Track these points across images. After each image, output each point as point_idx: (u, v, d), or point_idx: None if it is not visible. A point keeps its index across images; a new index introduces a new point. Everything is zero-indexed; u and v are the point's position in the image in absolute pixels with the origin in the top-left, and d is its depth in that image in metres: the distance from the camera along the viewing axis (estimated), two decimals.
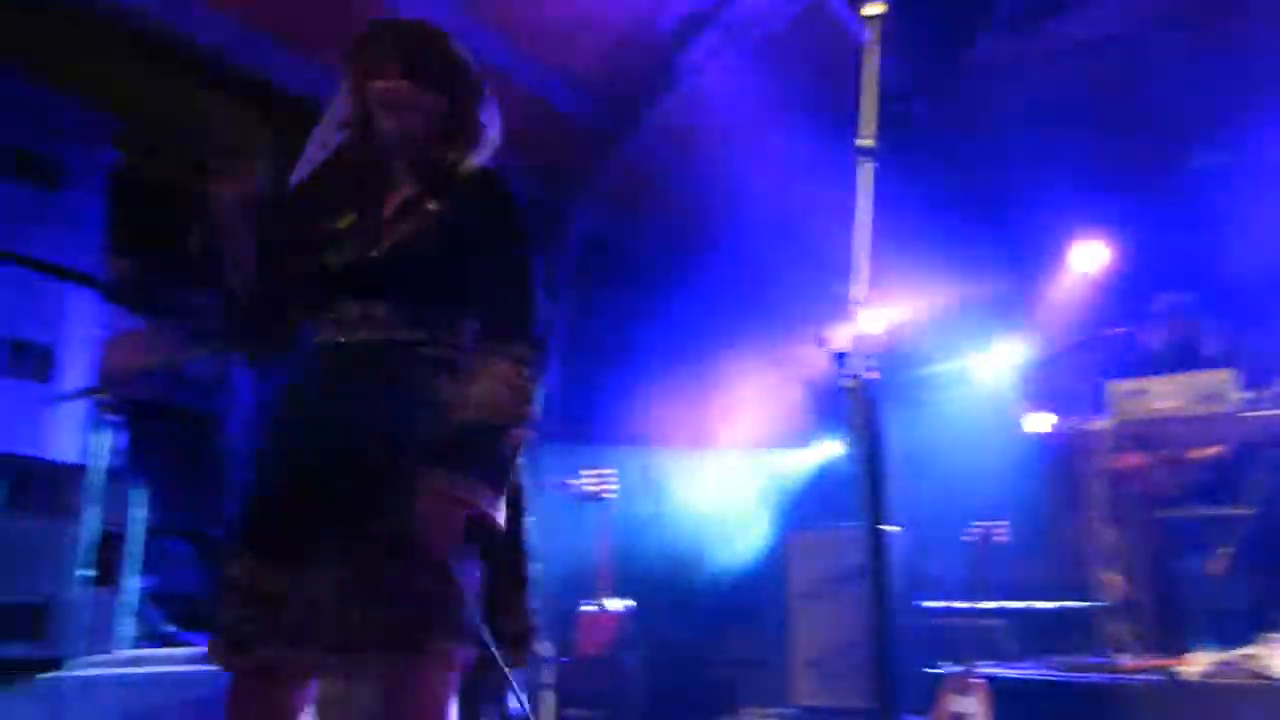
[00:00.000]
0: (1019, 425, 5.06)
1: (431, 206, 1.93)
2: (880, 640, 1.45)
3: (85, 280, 3.98)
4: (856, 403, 1.44)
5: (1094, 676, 3.96)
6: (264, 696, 1.80)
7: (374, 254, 1.88)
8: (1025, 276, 6.83)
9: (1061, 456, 6.76)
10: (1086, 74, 6.96)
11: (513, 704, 3.01)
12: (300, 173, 2.03)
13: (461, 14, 5.56)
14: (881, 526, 1.47)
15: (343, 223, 1.93)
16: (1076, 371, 6.63)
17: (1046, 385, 6.21)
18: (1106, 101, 6.98)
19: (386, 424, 1.81)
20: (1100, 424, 4.52)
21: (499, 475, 1.81)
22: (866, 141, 1.59)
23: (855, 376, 1.45)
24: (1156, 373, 4.61)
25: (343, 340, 1.89)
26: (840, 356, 1.47)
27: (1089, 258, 6.17)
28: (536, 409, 1.81)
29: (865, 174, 1.58)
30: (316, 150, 2.02)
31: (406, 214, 1.93)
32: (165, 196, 8.18)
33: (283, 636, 1.72)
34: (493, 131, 2.11)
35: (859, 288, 1.52)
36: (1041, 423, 4.78)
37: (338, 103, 2.00)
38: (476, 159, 2.05)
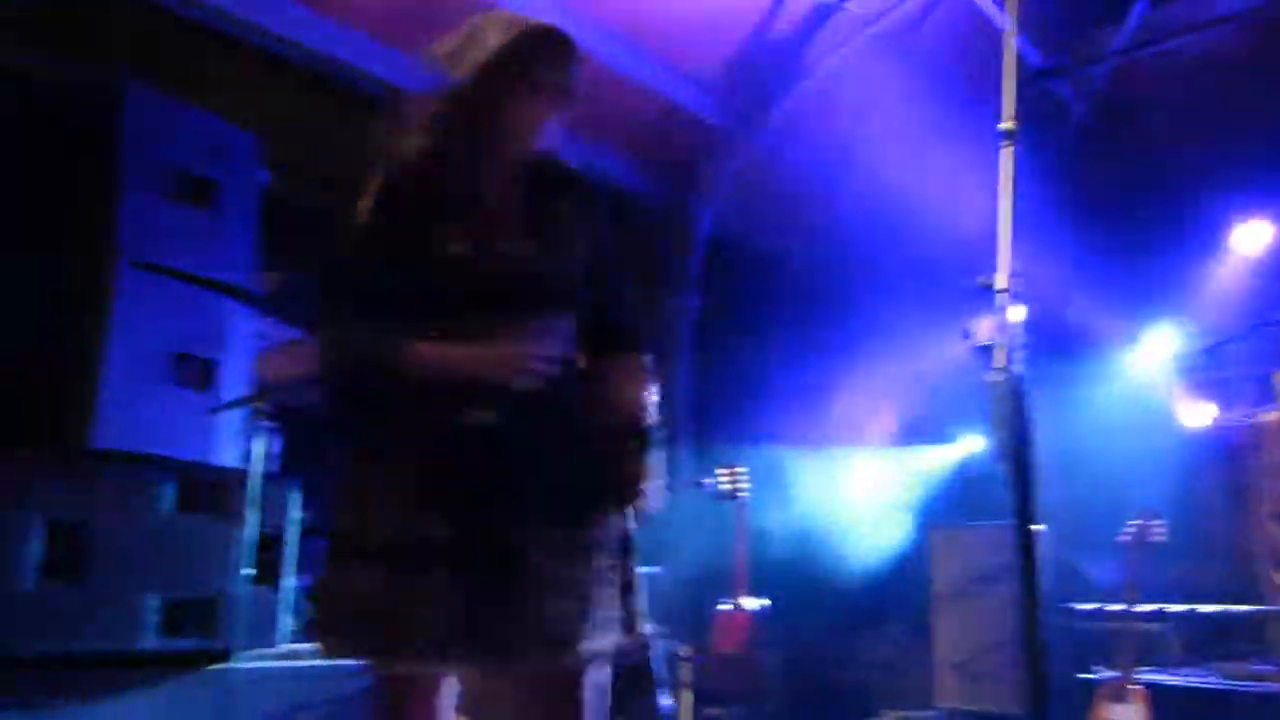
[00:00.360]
0: (1177, 419, 4.80)
1: (550, 221, 1.96)
2: (1031, 643, 1.39)
3: (241, 294, 4.19)
4: (1001, 396, 1.39)
5: (1263, 686, 3.72)
6: (418, 696, 1.86)
7: (501, 270, 1.86)
8: (1184, 262, 6.48)
9: (1225, 451, 6.39)
10: (1245, 45, 6.56)
11: (664, 701, 3.03)
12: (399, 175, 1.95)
13: (584, 14, 5.64)
14: (1029, 524, 1.41)
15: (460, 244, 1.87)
16: (1241, 361, 6.26)
17: (1208, 376, 5.89)
18: (1268, 74, 6.57)
19: (534, 433, 1.82)
20: (1268, 416, 4.24)
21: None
22: (1007, 125, 1.53)
23: (1000, 369, 1.40)
24: None
25: None
26: (984, 349, 1.42)
27: (1252, 240, 5.81)
28: (659, 408, 1.85)
29: (1006, 158, 1.52)
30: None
31: (526, 228, 1.93)
32: (312, 213, 8.58)
33: (433, 639, 1.73)
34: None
35: (1002, 276, 1.47)
36: (1202, 416, 4.52)
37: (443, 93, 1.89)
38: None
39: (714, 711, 4.87)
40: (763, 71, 6.49)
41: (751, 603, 5.10)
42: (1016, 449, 1.40)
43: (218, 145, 4.14)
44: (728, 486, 5.22)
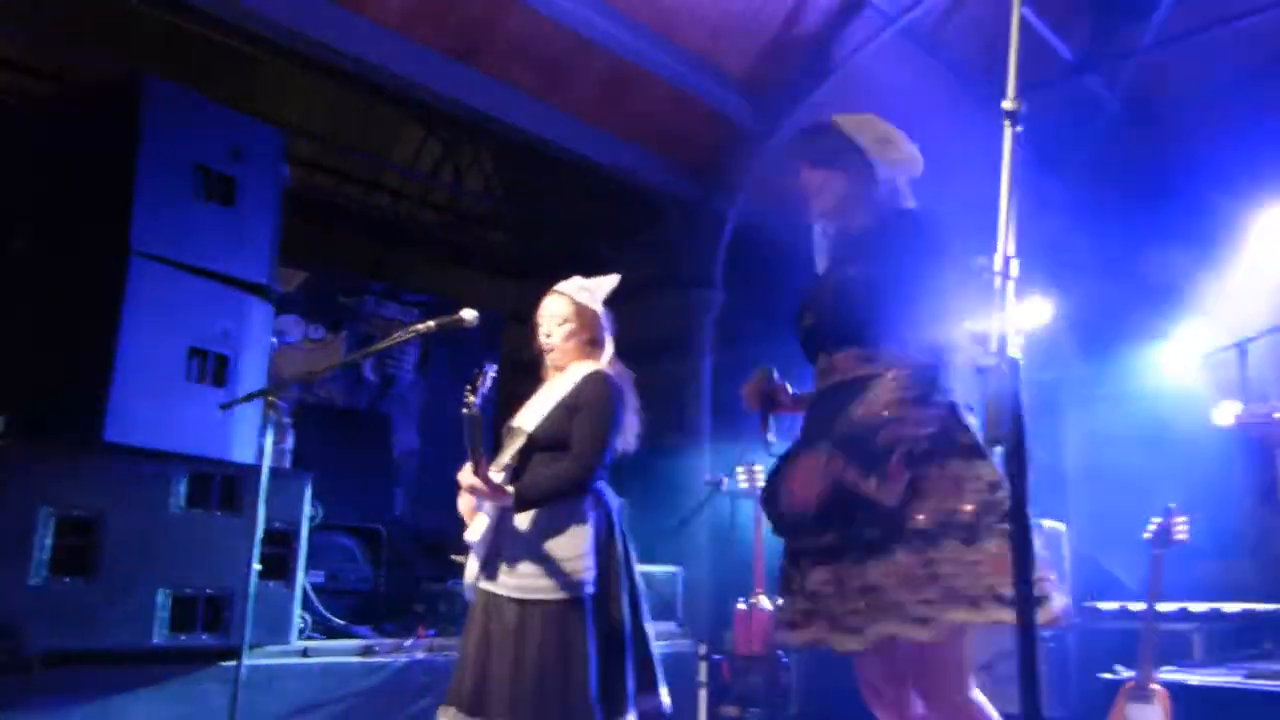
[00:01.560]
0: (1207, 416, 4.69)
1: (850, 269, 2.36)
2: (1026, 642, 1.34)
3: (259, 291, 4.20)
4: (996, 383, 1.34)
5: None
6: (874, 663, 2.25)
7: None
8: (1213, 256, 6.37)
9: (1255, 449, 6.26)
10: (1272, 36, 6.44)
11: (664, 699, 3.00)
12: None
13: (613, 10, 5.63)
14: (1023, 513, 1.36)
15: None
16: (1270, 357, 6.13)
17: (1237, 372, 5.76)
18: None
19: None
20: None
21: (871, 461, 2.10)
22: (1009, 104, 1.49)
23: (994, 354, 1.36)
24: None
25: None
26: (981, 334, 1.37)
27: None
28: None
29: (1008, 137, 1.47)
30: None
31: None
32: (332, 208, 8.62)
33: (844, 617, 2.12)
34: (891, 181, 2.47)
35: (1000, 258, 1.42)
36: (1229, 412, 4.42)
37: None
38: (883, 208, 2.42)
39: (731, 711, 4.83)
40: (790, 69, 6.45)
41: (770, 603, 5.05)
42: (1011, 438, 1.35)
43: (238, 141, 4.16)
44: (746, 485, 5.18)
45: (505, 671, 2.76)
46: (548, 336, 3.10)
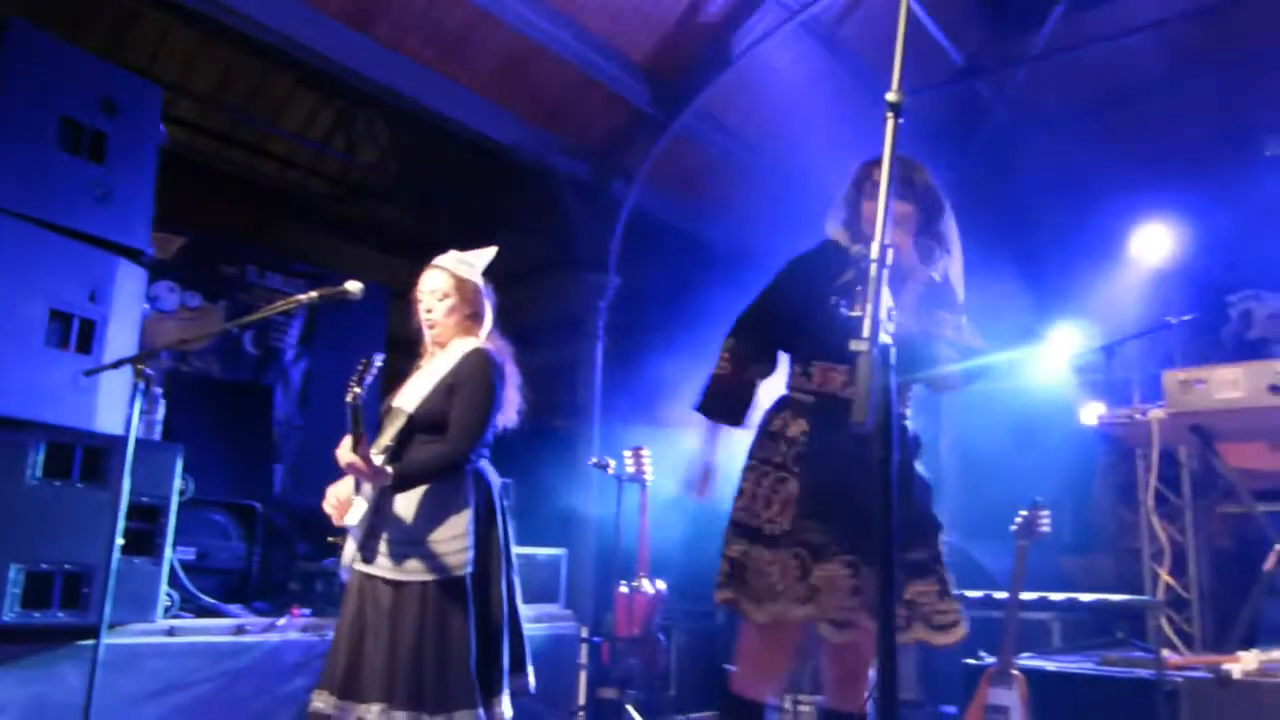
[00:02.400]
0: (1074, 416, 4.91)
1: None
2: (885, 629, 1.37)
3: (131, 254, 4.02)
4: (867, 368, 1.37)
5: (1135, 672, 3.83)
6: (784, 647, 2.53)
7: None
8: (1085, 263, 6.65)
9: (1115, 448, 6.58)
10: (1152, 56, 6.75)
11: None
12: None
13: None
14: (889, 499, 1.39)
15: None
16: (1135, 361, 6.44)
17: (1104, 376, 6.03)
18: (1175, 85, 6.77)
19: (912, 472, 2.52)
20: (1155, 414, 4.36)
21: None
22: (893, 96, 1.51)
23: (866, 339, 1.38)
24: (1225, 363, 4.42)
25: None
26: (854, 319, 1.40)
27: (1150, 245, 5.98)
28: None
29: (891, 129, 1.50)
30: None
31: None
32: (215, 173, 8.30)
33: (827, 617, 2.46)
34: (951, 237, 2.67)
35: (877, 246, 1.44)
36: (1095, 414, 4.63)
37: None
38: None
39: (610, 693, 4.85)
40: (691, 57, 6.47)
41: (651, 585, 5.09)
42: (880, 424, 1.37)
43: (111, 95, 3.95)
44: (632, 469, 5.19)
45: (380, 654, 2.72)
46: (429, 312, 3.04)
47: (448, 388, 2.90)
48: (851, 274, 2.43)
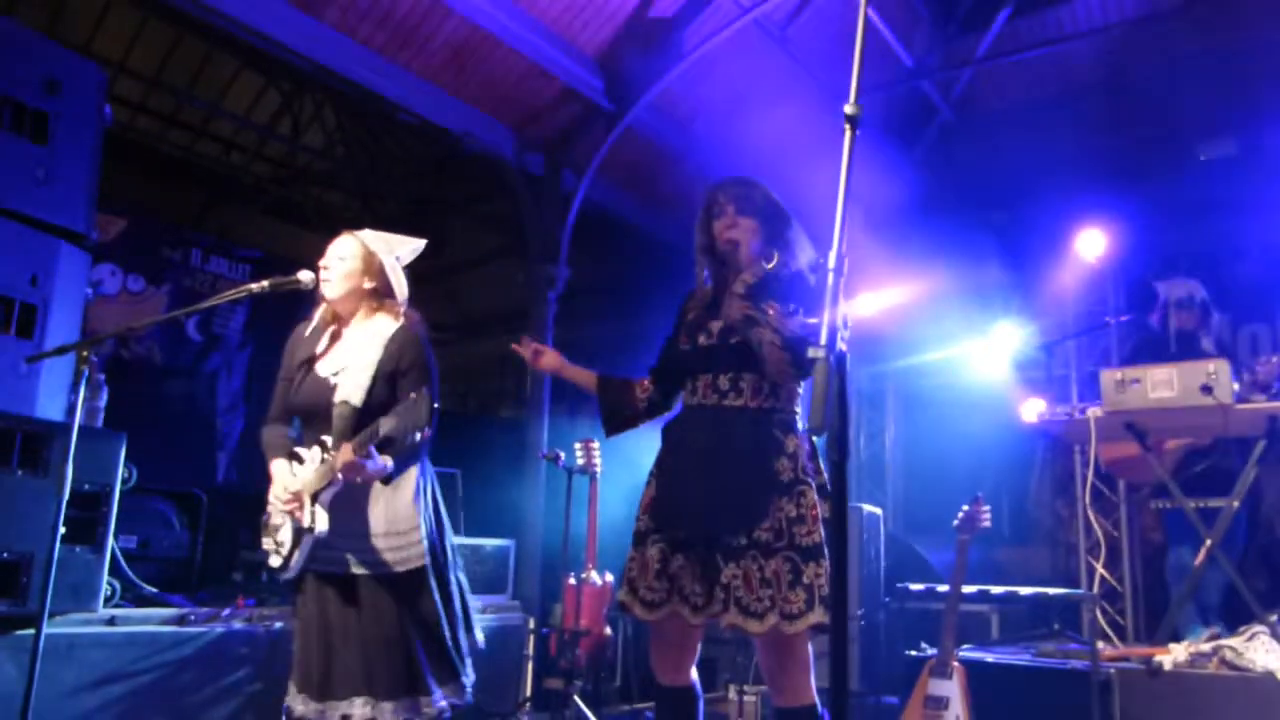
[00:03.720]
0: (1014, 413, 5.03)
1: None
2: (838, 621, 1.41)
3: (74, 238, 3.94)
4: (822, 374, 1.40)
5: (1070, 663, 3.96)
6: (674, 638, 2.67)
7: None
8: (1026, 263, 6.81)
9: (1053, 445, 6.76)
10: (1093, 61, 6.92)
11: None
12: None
13: None
14: (843, 500, 1.44)
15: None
16: (1074, 359, 6.62)
17: (1043, 373, 6.19)
18: (1115, 90, 6.94)
19: (749, 463, 2.55)
20: (1092, 412, 4.48)
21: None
22: (850, 109, 1.55)
23: (822, 346, 1.42)
24: (1158, 360, 4.55)
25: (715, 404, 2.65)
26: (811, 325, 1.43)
27: (1089, 246, 6.14)
28: None
29: (848, 141, 1.53)
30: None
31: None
32: (156, 154, 8.13)
33: (687, 603, 2.55)
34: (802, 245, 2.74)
35: (834, 255, 1.48)
36: (1035, 411, 4.75)
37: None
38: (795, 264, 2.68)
39: (556, 684, 4.87)
40: (643, 51, 6.48)
41: (599, 577, 5.11)
42: (835, 428, 1.41)
43: (54, 74, 3.86)
44: (581, 461, 5.21)
45: (354, 649, 2.70)
46: (325, 270, 2.91)
47: (389, 374, 2.83)
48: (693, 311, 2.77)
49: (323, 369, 2.88)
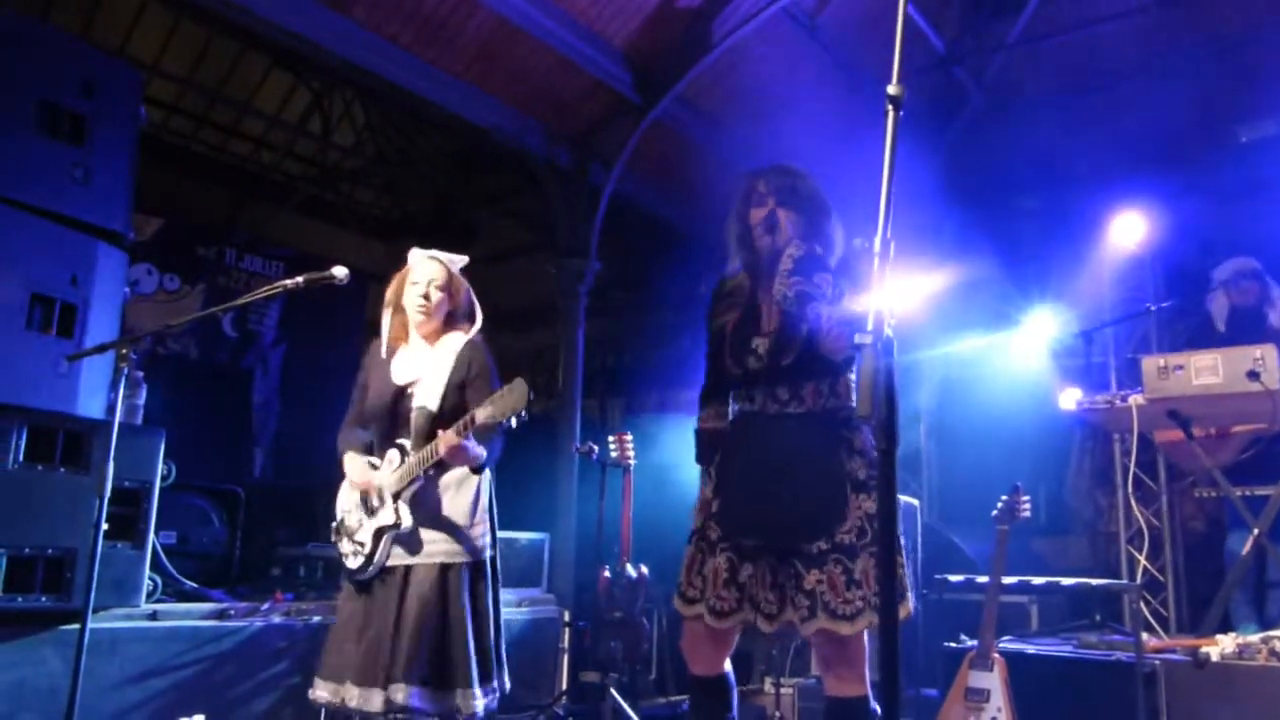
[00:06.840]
0: (1052, 401, 4.96)
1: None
2: (887, 612, 1.40)
3: (112, 238, 3.98)
4: (869, 361, 1.38)
5: (1114, 655, 3.89)
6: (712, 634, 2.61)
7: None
8: (1063, 249, 6.71)
9: (1092, 433, 6.67)
10: (1126, 43, 6.80)
11: None
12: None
13: None
14: (892, 489, 1.41)
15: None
16: (1113, 347, 6.52)
17: (1082, 361, 6.10)
18: (1151, 72, 6.82)
19: (820, 468, 2.50)
20: (1134, 400, 4.41)
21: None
22: (894, 89, 1.52)
23: (869, 333, 1.39)
24: (1221, 344, 4.44)
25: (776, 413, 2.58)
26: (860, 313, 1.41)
27: (1127, 232, 6.04)
28: None
29: (892, 122, 1.51)
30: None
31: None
32: (189, 154, 8.20)
33: (759, 611, 2.51)
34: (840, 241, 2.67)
35: (880, 240, 1.46)
36: (1073, 399, 4.68)
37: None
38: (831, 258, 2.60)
39: (592, 676, 4.87)
40: (672, 42, 6.45)
41: (634, 569, 5.10)
42: (882, 417, 1.39)
43: (91, 77, 3.90)
44: (615, 454, 5.20)
45: (408, 637, 2.83)
46: (425, 299, 3.14)
47: (461, 383, 3.09)
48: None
49: (398, 378, 3.14)
